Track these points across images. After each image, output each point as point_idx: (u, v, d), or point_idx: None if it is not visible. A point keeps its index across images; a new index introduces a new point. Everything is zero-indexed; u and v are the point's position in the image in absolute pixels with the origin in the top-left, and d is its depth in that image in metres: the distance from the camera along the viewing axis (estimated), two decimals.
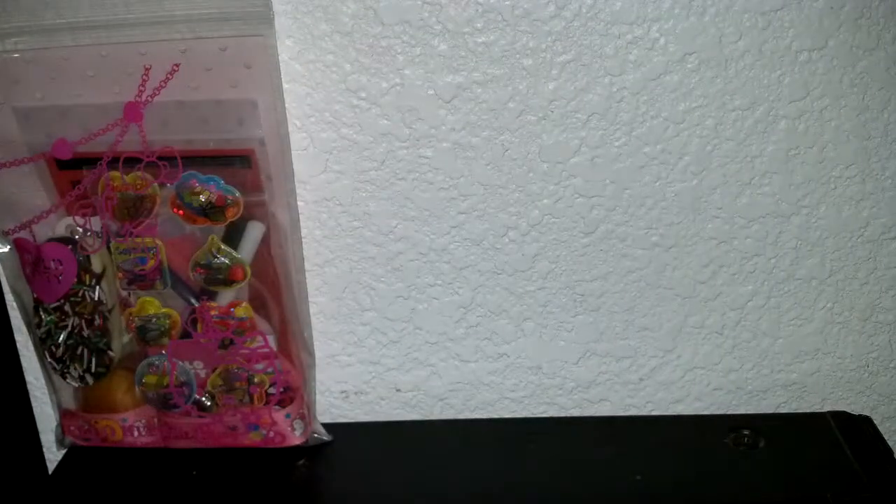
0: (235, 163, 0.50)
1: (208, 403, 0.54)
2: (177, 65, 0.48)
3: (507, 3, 0.51)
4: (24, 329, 0.56)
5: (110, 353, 0.54)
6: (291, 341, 0.55)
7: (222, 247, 0.51)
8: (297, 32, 0.51)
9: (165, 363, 0.53)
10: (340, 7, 0.51)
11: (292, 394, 0.55)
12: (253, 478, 0.54)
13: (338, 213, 0.57)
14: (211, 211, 0.50)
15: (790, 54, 0.52)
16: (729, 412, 0.64)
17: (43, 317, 0.53)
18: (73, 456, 0.57)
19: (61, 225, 0.52)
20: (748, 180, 0.56)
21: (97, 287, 0.52)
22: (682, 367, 0.62)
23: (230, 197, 0.50)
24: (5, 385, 0.60)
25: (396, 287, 0.59)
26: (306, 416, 0.56)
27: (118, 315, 0.53)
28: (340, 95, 0.53)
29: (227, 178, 0.50)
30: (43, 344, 0.54)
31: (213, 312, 0.52)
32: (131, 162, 0.49)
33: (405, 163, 0.55)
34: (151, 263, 0.51)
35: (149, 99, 0.48)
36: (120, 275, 0.52)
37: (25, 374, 0.62)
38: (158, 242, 0.51)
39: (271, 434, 0.55)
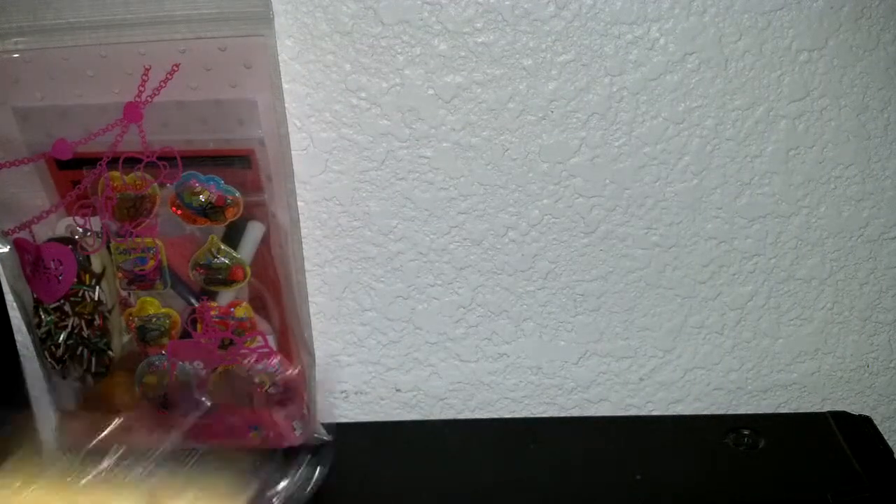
0: (235, 163, 0.50)
1: (208, 403, 0.54)
2: (176, 65, 0.48)
3: (507, 3, 0.51)
4: (24, 329, 0.56)
5: (110, 353, 0.54)
6: (291, 341, 0.55)
7: (222, 247, 0.51)
8: (297, 32, 0.51)
9: (165, 363, 0.53)
10: (340, 7, 0.51)
11: (292, 394, 0.55)
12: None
13: (338, 213, 0.56)
14: (211, 211, 0.50)
15: (790, 54, 0.52)
16: (729, 412, 0.64)
17: (43, 317, 0.53)
18: None
19: (61, 225, 0.52)
20: (748, 180, 0.56)
21: (97, 287, 0.52)
22: (682, 367, 0.62)
23: (230, 197, 0.50)
24: (5, 385, 0.60)
25: (396, 287, 0.59)
26: (306, 416, 0.56)
27: (118, 315, 0.53)
28: (340, 95, 0.53)
29: (227, 178, 0.49)
30: (43, 344, 0.54)
31: (213, 312, 0.52)
32: (131, 162, 0.49)
33: (405, 163, 0.55)
34: (151, 263, 0.51)
35: (149, 99, 0.48)
36: (120, 275, 0.52)
37: (25, 374, 0.62)
38: (158, 242, 0.51)
39: (271, 434, 0.55)
